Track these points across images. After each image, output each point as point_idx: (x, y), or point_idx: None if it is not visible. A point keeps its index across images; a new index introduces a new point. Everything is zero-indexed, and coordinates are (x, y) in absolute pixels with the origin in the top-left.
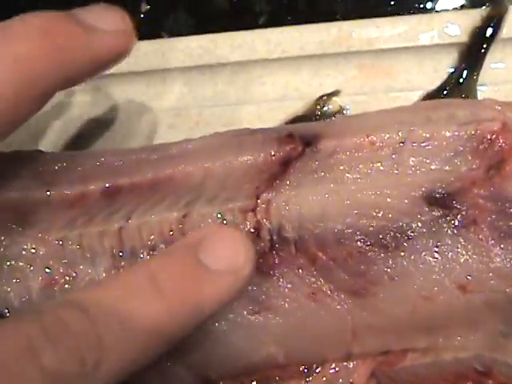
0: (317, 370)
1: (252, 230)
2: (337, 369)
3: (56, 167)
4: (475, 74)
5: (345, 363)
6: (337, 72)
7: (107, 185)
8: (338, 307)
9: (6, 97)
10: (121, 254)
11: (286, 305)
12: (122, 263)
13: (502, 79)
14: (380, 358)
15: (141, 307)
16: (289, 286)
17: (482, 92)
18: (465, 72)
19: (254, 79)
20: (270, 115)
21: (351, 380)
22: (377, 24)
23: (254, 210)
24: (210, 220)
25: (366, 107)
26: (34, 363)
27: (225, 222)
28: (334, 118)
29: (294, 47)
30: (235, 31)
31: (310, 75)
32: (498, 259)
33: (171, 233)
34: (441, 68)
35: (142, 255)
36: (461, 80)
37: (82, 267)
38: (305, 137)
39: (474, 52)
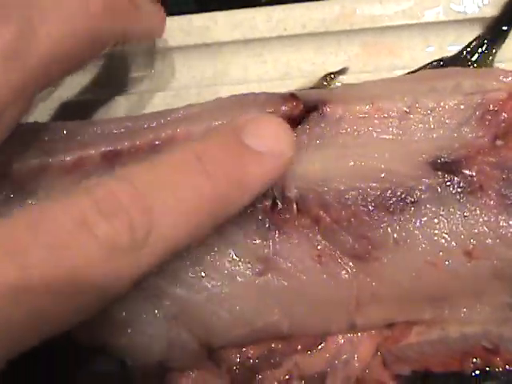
0: (319, 347)
1: None
2: (341, 342)
3: (55, 136)
4: (493, 50)
5: (349, 336)
6: (340, 50)
7: (107, 149)
8: (343, 272)
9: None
10: None
11: (292, 265)
12: None
13: None
14: (385, 332)
15: (188, 182)
16: (295, 245)
17: None
18: (482, 48)
19: (255, 57)
20: None
21: (356, 355)
22: (380, 0)
23: None
24: None
25: None
26: (89, 234)
27: None
28: (339, 85)
29: (296, 25)
30: (236, 9)
31: (312, 53)
32: (505, 226)
33: None
34: (446, 45)
35: None
36: (474, 57)
37: None
38: (310, 101)
39: (495, 27)
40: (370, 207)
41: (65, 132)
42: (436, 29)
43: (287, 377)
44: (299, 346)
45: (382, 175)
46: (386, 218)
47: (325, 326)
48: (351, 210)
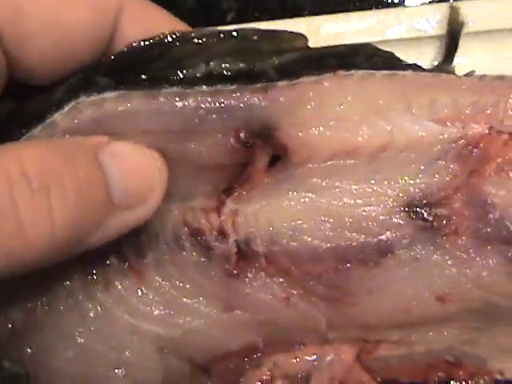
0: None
1: (215, 234)
2: (324, 346)
3: None
4: (445, 68)
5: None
6: None
7: None
8: (312, 310)
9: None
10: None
11: (259, 306)
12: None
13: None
14: (359, 344)
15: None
16: (260, 290)
17: None
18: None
19: None
20: None
21: (342, 356)
22: (344, 19)
23: (217, 211)
24: (171, 219)
25: None
26: None
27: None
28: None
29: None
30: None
31: None
32: (478, 268)
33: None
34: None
35: (110, 259)
36: None
37: None
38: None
39: (444, 46)
40: (343, 262)
41: None
42: (399, 46)
43: (269, 376)
44: (277, 348)
45: (355, 226)
46: (359, 271)
47: (299, 342)
48: (323, 265)
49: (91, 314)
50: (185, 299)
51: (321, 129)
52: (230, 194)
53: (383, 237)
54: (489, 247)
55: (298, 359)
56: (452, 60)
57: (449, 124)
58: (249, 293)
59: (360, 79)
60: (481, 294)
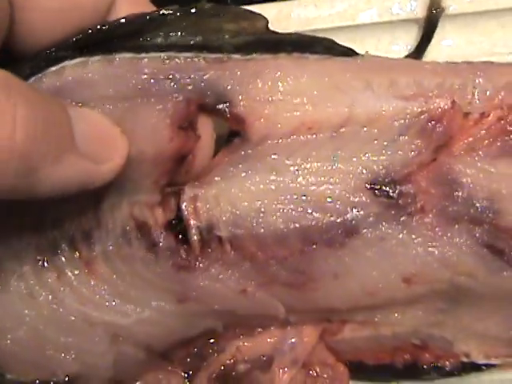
0: (262, 332)
1: (163, 228)
2: (287, 328)
3: None
4: (421, 51)
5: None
6: None
7: None
8: (271, 300)
9: None
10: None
11: (214, 298)
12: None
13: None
14: (324, 324)
15: None
16: (215, 282)
17: None
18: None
19: None
20: None
21: (301, 339)
22: (315, 3)
23: (162, 206)
24: (120, 211)
25: None
26: None
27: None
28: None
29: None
30: None
31: None
32: (445, 247)
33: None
34: (382, 46)
35: (62, 247)
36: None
37: None
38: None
39: (420, 30)
40: (308, 243)
41: None
42: (371, 30)
43: (232, 360)
44: (239, 332)
45: (319, 206)
46: (324, 253)
47: (259, 324)
48: (288, 247)
49: (41, 299)
50: (134, 292)
51: (278, 102)
52: (185, 182)
53: (348, 216)
54: (456, 226)
55: (260, 343)
56: (427, 45)
57: (411, 100)
58: (202, 285)
59: (315, 60)
60: (447, 274)
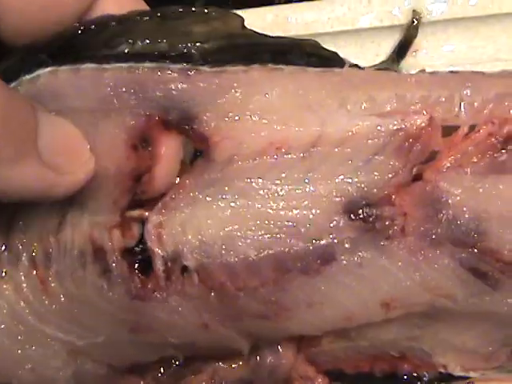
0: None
1: (118, 253)
2: (264, 350)
3: None
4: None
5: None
6: None
7: None
8: (235, 336)
9: None
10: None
11: (172, 330)
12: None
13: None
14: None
15: None
16: (176, 316)
17: None
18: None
19: None
20: None
21: (283, 360)
22: (314, 7)
23: (121, 229)
24: (80, 233)
25: None
26: None
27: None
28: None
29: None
30: None
31: None
32: (426, 271)
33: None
34: (382, 51)
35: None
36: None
37: None
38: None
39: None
40: (281, 271)
41: None
42: (371, 35)
43: (210, 383)
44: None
45: (292, 231)
46: (299, 282)
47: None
48: (260, 277)
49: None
50: (86, 317)
51: (246, 121)
52: (149, 207)
53: (323, 242)
54: (438, 249)
55: (237, 367)
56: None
57: (387, 117)
58: (159, 316)
59: (290, 73)
60: (427, 297)
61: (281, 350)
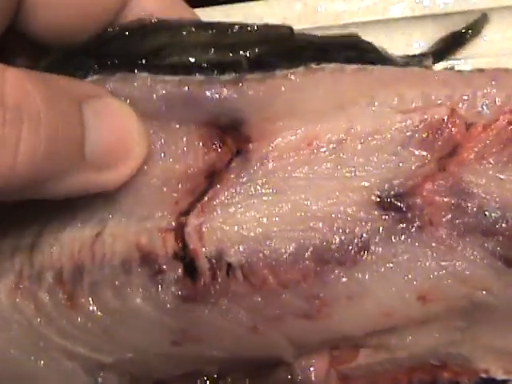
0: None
1: (171, 256)
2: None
3: None
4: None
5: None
6: None
7: None
8: (282, 340)
9: None
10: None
11: (220, 337)
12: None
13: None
14: (333, 352)
15: None
16: (227, 319)
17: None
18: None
19: None
20: None
21: (313, 369)
22: None
23: (176, 231)
24: (123, 242)
25: None
26: None
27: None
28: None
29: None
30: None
31: None
32: (457, 261)
33: (80, 253)
34: (412, 42)
35: (46, 278)
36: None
37: None
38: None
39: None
40: (321, 263)
41: None
42: (402, 25)
43: None
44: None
45: (327, 223)
46: (337, 273)
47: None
48: (302, 270)
49: (15, 326)
50: (119, 330)
51: (286, 120)
52: (191, 210)
53: (357, 232)
54: (467, 238)
55: (268, 379)
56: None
57: (412, 112)
58: (210, 320)
59: (330, 72)
60: (463, 289)
61: (312, 368)
